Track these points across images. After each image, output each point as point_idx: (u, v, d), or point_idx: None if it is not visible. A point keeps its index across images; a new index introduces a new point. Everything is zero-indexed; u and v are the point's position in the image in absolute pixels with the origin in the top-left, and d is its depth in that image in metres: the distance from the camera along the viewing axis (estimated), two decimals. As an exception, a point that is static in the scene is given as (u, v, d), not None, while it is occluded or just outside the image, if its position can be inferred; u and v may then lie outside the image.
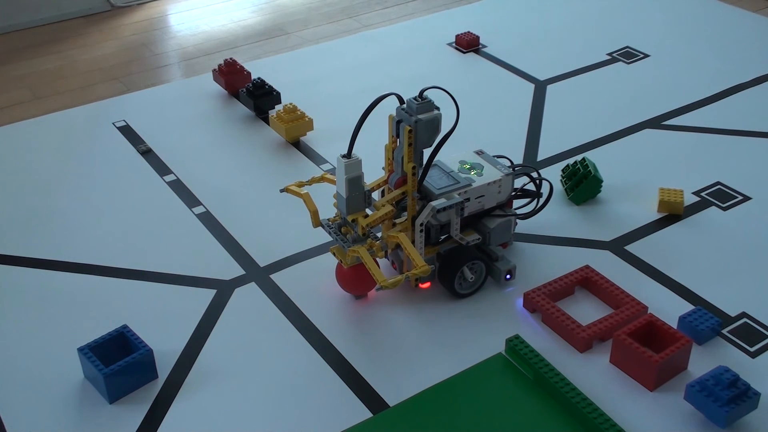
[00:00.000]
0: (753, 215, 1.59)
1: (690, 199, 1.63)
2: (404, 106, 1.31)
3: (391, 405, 1.22)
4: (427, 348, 1.31)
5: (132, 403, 1.23)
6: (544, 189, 1.54)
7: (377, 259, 1.32)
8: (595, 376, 1.26)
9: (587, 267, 1.42)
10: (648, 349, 1.24)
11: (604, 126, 1.89)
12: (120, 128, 1.93)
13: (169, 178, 1.74)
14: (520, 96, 2.02)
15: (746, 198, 1.64)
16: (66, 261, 1.51)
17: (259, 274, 1.47)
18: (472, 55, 2.21)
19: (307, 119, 1.84)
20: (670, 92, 2.01)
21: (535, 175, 1.50)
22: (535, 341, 1.31)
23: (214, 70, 2.07)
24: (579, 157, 1.69)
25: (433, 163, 1.36)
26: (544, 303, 1.35)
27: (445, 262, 1.38)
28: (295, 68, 2.18)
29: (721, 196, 1.64)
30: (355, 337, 1.34)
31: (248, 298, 1.42)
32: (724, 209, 1.61)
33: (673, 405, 1.20)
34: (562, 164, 1.73)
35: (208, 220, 1.62)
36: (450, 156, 1.43)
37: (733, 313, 1.36)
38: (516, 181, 1.52)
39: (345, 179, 1.29)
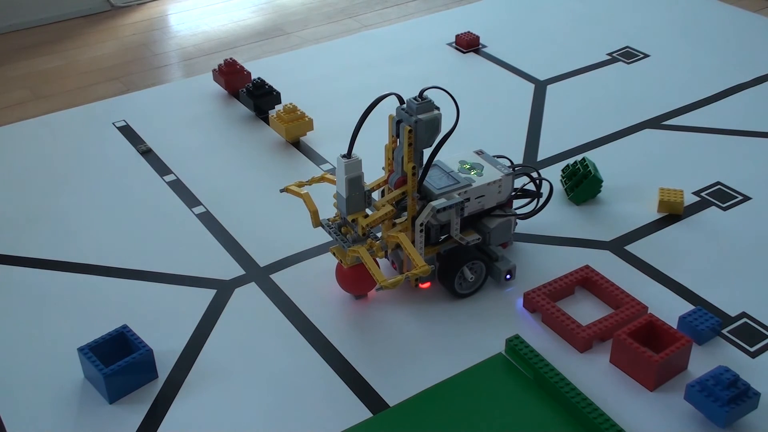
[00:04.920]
0: (753, 215, 1.59)
1: (690, 199, 1.63)
2: (404, 106, 1.31)
3: (391, 405, 1.22)
4: (427, 348, 1.31)
5: (132, 403, 1.23)
6: (544, 189, 1.54)
7: (377, 259, 1.32)
8: (595, 376, 1.25)
9: (587, 267, 1.42)
10: (648, 349, 1.24)
11: (604, 126, 1.89)
12: (120, 128, 1.93)
13: (169, 178, 1.74)
14: (520, 96, 2.02)
15: (746, 198, 1.64)
16: (66, 261, 1.51)
17: (259, 274, 1.47)
18: (472, 55, 2.21)
19: (307, 119, 1.84)
20: (670, 92, 2.01)
21: (535, 175, 1.50)
22: (535, 341, 1.31)
23: (214, 70, 2.07)
24: (579, 157, 1.69)
25: (433, 163, 1.36)
26: (544, 303, 1.35)
27: (445, 262, 1.38)
28: (295, 68, 2.18)
29: (721, 196, 1.64)
30: (355, 337, 1.34)
31: (248, 298, 1.42)
32: (724, 209, 1.61)
33: (673, 405, 1.20)
34: (562, 164, 1.73)
35: (208, 220, 1.62)
36: (450, 156, 1.43)
37: (733, 313, 1.36)
38: (516, 181, 1.52)
39: (345, 179, 1.29)
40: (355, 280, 1.37)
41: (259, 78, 1.97)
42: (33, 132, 1.93)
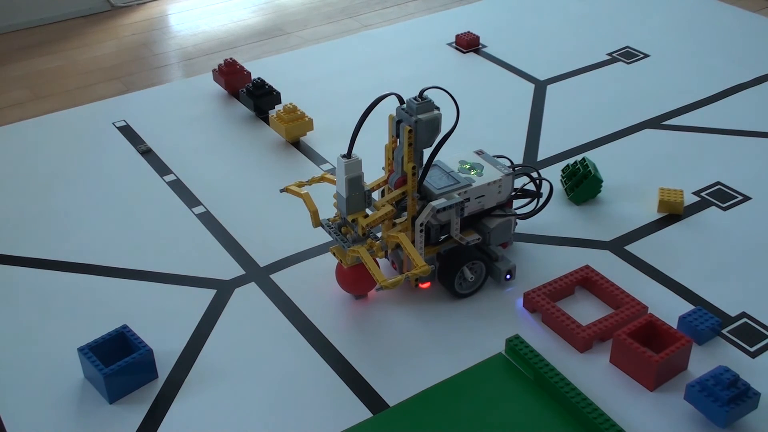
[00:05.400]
0: (753, 215, 1.59)
1: (690, 199, 1.63)
2: (404, 106, 1.30)
3: (391, 405, 1.22)
4: (427, 348, 1.31)
5: (132, 403, 1.23)
6: (544, 189, 1.54)
7: (377, 259, 1.32)
8: (595, 376, 1.25)
9: (587, 267, 1.42)
10: (648, 349, 1.24)
11: (604, 126, 1.89)
12: (120, 128, 1.93)
13: (169, 178, 1.74)
14: (520, 96, 2.02)
15: (746, 198, 1.64)
16: (66, 261, 1.51)
17: (259, 274, 1.47)
18: (472, 55, 2.21)
19: (307, 119, 1.84)
20: (670, 92, 2.01)
21: (535, 175, 1.50)
22: (535, 341, 1.31)
23: (214, 70, 2.07)
24: (579, 157, 1.69)
25: (433, 163, 1.36)
26: (544, 303, 1.35)
27: (445, 262, 1.38)
28: (295, 68, 2.18)
29: (721, 196, 1.64)
30: (355, 337, 1.34)
31: (248, 298, 1.42)
32: (724, 209, 1.61)
33: (673, 405, 1.20)
34: (562, 164, 1.73)
35: (208, 220, 1.61)
36: (450, 156, 1.43)
37: (733, 313, 1.36)
38: (516, 181, 1.52)
39: (345, 179, 1.29)
40: (355, 280, 1.37)
41: (259, 78, 1.97)
42: (33, 132, 1.93)
